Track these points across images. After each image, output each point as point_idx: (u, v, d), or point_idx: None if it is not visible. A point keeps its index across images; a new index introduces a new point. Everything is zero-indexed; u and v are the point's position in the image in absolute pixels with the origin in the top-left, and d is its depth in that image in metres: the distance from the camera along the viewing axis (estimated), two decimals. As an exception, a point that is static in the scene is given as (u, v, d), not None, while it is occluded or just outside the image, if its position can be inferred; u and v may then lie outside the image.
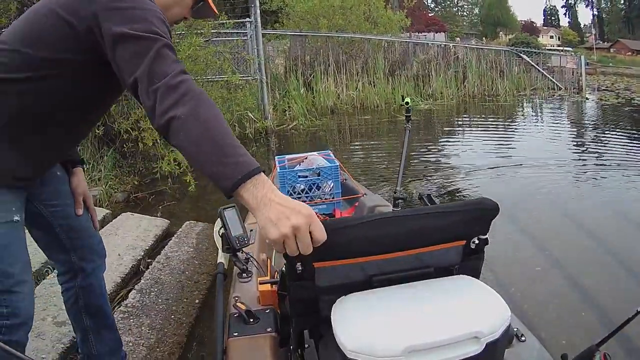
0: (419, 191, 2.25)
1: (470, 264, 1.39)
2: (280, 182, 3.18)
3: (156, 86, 1.23)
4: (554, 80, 14.74)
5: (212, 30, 7.33)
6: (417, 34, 20.57)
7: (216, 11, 1.75)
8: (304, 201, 3.17)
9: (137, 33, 1.29)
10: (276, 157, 3.44)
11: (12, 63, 1.45)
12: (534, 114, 12.21)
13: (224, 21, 7.15)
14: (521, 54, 14.82)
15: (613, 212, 4.84)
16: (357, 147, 8.67)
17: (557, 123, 10.71)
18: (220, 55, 7.16)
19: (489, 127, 10.19)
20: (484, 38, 39.92)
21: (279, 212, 1.09)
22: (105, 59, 1.36)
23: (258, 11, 8.99)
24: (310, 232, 1.11)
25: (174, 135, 1.20)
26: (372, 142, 9.01)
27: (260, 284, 1.88)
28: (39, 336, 2.57)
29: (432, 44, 15.44)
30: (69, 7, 1.40)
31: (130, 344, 2.58)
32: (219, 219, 2.14)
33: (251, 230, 2.34)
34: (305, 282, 1.30)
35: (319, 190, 3.14)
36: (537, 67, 14.87)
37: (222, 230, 2.14)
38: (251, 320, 1.78)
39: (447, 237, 1.34)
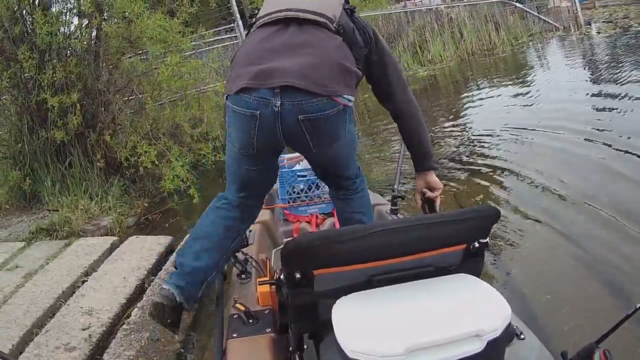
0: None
1: (470, 265, 1.42)
2: (279, 181, 3.17)
3: None
4: (550, 22, 14.48)
5: (195, 42, 7.56)
6: (413, 0, 20.31)
7: None
8: (303, 201, 3.27)
9: None
10: None
11: None
12: (528, 61, 12.08)
13: (204, 33, 7.33)
14: (512, 2, 14.60)
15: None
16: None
17: (557, 64, 10.56)
18: (207, 66, 7.37)
19: (493, 83, 10.07)
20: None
21: None
22: None
23: (237, 15, 9.21)
24: None
25: None
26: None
27: (260, 284, 1.89)
28: (53, 364, 2.85)
29: (427, 9, 15.33)
30: None
31: (132, 357, 2.84)
32: None
33: (250, 231, 2.44)
34: (303, 289, 1.34)
35: (318, 189, 3.15)
36: (530, 11, 14.63)
37: None
38: (250, 320, 1.81)
39: (448, 242, 1.37)
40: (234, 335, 1.75)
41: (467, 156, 5.73)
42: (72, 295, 3.64)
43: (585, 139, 5.37)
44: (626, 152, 4.70)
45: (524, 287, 3.11)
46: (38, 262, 4.25)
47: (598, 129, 5.53)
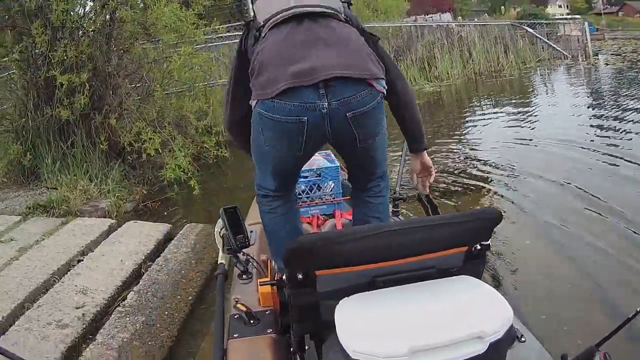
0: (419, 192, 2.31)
1: (472, 267, 1.42)
2: None
3: None
4: (559, 50, 14.61)
5: (208, 37, 7.54)
6: (424, 16, 20.44)
7: None
8: (305, 202, 3.25)
9: None
10: None
11: None
12: (536, 86, 12.22)
13: (217, 27, 7.33)
14: (524, 26, 14.73)
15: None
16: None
17: (559, 91, 10.71)
18: (217, 60, 7.37)
19: (498, 104, 10.17)
20: (492, 14, 39.02)
21: None
22: None
23: (252, 13, 9.12)
24: None
25: None
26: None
27: (261, 285, 1.87)
28: (44, 339, 2.80)
29: (438, 25, 15.43)
30: None
31: (126, 340, 2.80)
32: (220, 219, 2.17)
33: (251, 232, 2.42)
34: (306, 290, 1.33)
35: (319, 190, 3.09)
36: (541, 37, 14.78)
37: (223, 231, 2.17)
38: (251, 321, 1.79)
39: (450, 244, 1.37)
40: (235, 335, 1.74)
41: (465, 173, 5.74)
42: (67, 273, 3.59)
43: (584, 158, 5.56)
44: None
45: (522, 304, 3.07)
46: (33, 237, 4.20)
47: (598, 149, 5.74)
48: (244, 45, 1.98)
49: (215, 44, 8.42)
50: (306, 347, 1.58)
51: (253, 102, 1.79)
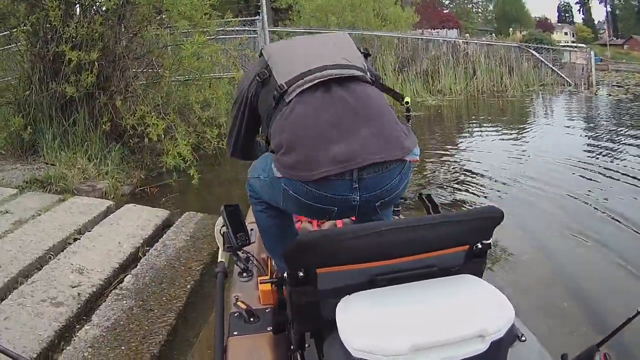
0: (420, 191, 2.29)
1: (473, 266, 1.41)
2: None
3: None
4: (563, 76, 14.70)
5: (219, 29, 7.47)
6: (430, 30, 20.50)
7: None
8: None
9: None
10: None
11: None
12: (537, 108, 12.34)
13: (230, 19, 7.27)
14: (530, 49, 14.81)
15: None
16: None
17: (560, 118, 10.81)
18: (226, 52, 7.31)
19: (497, 121, 10.23)
20: (498, 34, 39.12)
21: None
22: None
23: (264, 9, 9.14)
24: None
25: None
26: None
27: (261, 283, 1.88)
28: (37, 315, 2.73)
29: (444, 40, 15.48)
30: None
31: (121, 322, 2.75)
32: (220, 217, 2.18)
33: (251, 230, 2.42)
34: (306, 287, 1.32)
35: None
36: (546, 62, 14.86)
37: (223, 229, 2.18)
38: (251, 319, 1.80)
39: (451, 243, 1.36)
40: (235, 333, 1.75)
41: (459, 184, 5.76)
42: (63, 251, 3.54)
43: (579, 173, 5.80)
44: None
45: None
46: (30, 212, 4.13)
47: (594, 165, 5.99)
48: (253, 98, 1.84)
49: (225, 37, 8.36)
50: (306, 345, 1.57)
51: (277, 174, 1.67)
